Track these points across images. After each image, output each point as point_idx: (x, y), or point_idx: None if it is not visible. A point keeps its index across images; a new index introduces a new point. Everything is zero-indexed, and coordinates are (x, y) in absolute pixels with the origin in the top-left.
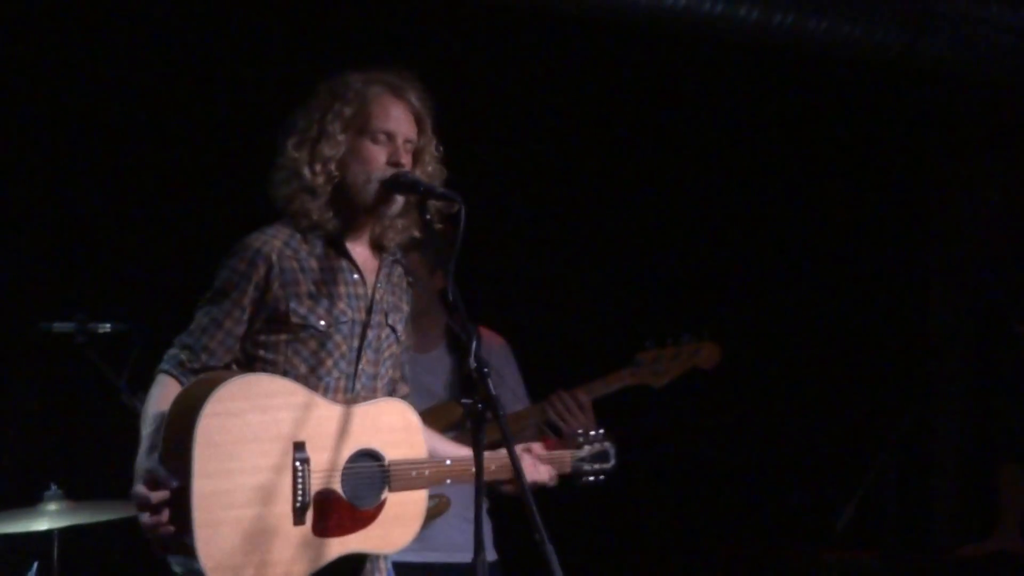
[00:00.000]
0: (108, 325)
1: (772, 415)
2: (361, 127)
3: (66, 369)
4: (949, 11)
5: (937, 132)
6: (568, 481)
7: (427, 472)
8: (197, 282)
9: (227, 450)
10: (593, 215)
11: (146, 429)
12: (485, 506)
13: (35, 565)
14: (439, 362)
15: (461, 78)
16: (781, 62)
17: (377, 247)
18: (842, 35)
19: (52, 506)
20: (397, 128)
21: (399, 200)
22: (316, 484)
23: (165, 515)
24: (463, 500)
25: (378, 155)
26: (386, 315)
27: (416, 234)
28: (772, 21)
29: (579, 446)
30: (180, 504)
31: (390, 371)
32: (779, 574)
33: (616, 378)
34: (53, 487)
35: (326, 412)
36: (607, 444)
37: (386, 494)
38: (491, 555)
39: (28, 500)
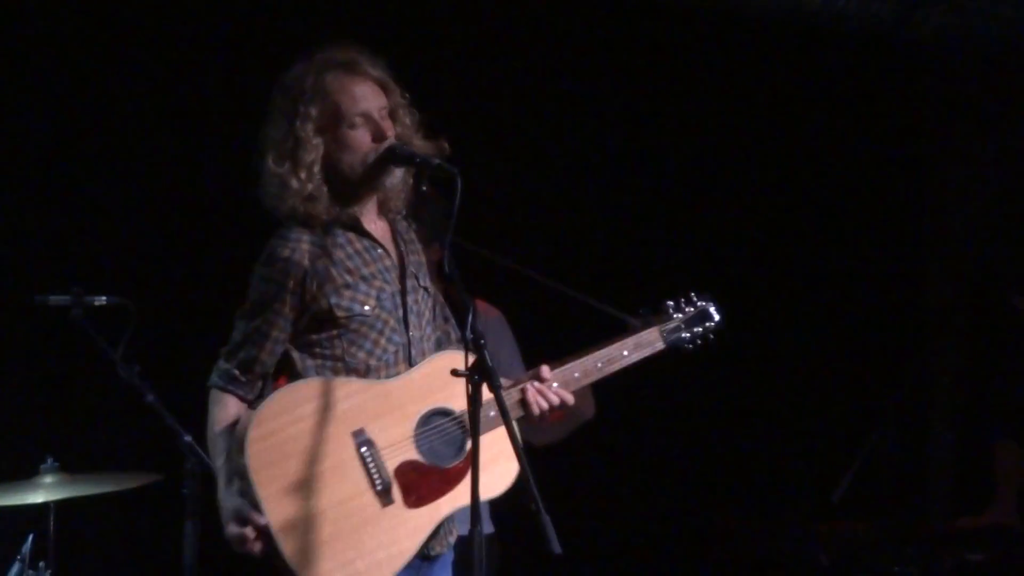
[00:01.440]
0: (104, 298)
1: (768, 388)
2: (335, 119)
3: (62, 342)
4: None
5: (933, 103)
6: (671, 353)
7: (503, 408)
8: (192, 255)
9: (284, 467)
10: (587, 186)
11: (218, 460)
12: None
13: (31, 537)
14: None
15: (453, 49)
16: (777, 34)
17: (384, 213)
18: (838, 7)
19: (48, 479)
20: (369, 105)
21: (397, 171)
22: (392, 461)
23: (259, 545)
24: None
25: (363, 138)
26: (416, 277)
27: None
28: None
29: (666, 319)
30: (267, 534)
31: (432, 328)
32: (775, 546)
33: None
34: (49, 460)
35: (377, 391)
36: (704, 303)
37: (470, 443)
38: (488, 527)
39: (24, 473)
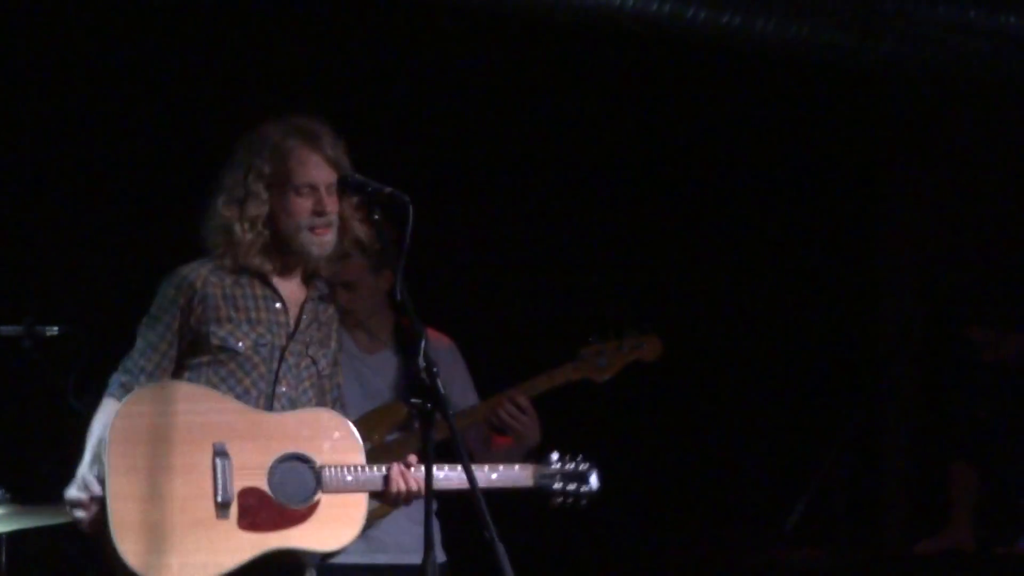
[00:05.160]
0: (56, 328)
1: (721, 413)
2: (283, 182)
3: (13, 372)
4: (897, 11)
5: (887, 131)
6: (538, 500)
7: (364, 477)
8: (144, 285)
9: (141, 449)
10: (534, 210)
11: (88, 443)
12: (434, 507)
13: None
14: (386, 363)
15: (408, 76)
16: (729, 63)
17: (307, 280)
18: (790, 35)
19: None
20: (317, 179)
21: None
22: (240, 482)
23: (93, 511)
24: None
25: (303, 206)
26: (307, 346)
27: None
28: (720, 21)
29: (545, 464)
30: (101, 506)
31: (313, 400)
32: (729, 573)
33: (560, 374)
34: (0, 491)
35: (250, 417)
36: (586, 465)
37: (319, 495)
38: (440, 556)
39: None
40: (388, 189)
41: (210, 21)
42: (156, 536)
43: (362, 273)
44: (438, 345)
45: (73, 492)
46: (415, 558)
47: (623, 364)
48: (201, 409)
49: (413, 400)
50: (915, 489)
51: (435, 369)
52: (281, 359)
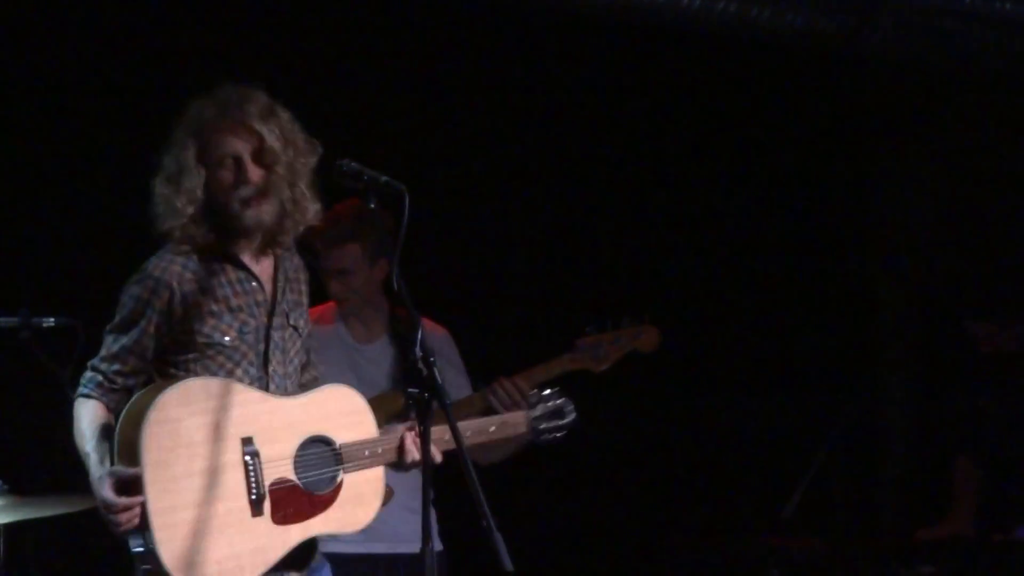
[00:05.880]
0: (53, 320)
1: (719, 403)
2: (207, 156)
3: (10, 364)
4: None
5: (883, 121)
6: (530, 443)
7: (380, 449)
8: None
9: (175, 454)
10: (530, 200)
11: (87, 445)
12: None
13: None
14: (382, 353)
15: (404, 64)
16: (724, 49)
17: (269, 247)
18: (785, 22)
19: None
20: (235, 148)
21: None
22: (270, 475)
23: (136, 515)
24: (407, 490)
25: (225, 179)
26: (287, 316)
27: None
28: (715, 8)
29: (532, 406)
30: (141, 511)
31: (300, 367)
32: (726, 562)
33: (557, 364)
34: None
35: (270, 405)
36: (563, 400)
37: (341, 476)
38: (436, 545)
39: None
40: (384, 178)
41: (213, 15)
42: (197, 546)
43: (357, 262)
44: (433, 334)
45: (112, 496)
46: (412, 547)
47: (620, 354)
48: (225, 404)
49: (410, 390)
50: (912, 477)
51: (432, 358)
52: (267, 338)
